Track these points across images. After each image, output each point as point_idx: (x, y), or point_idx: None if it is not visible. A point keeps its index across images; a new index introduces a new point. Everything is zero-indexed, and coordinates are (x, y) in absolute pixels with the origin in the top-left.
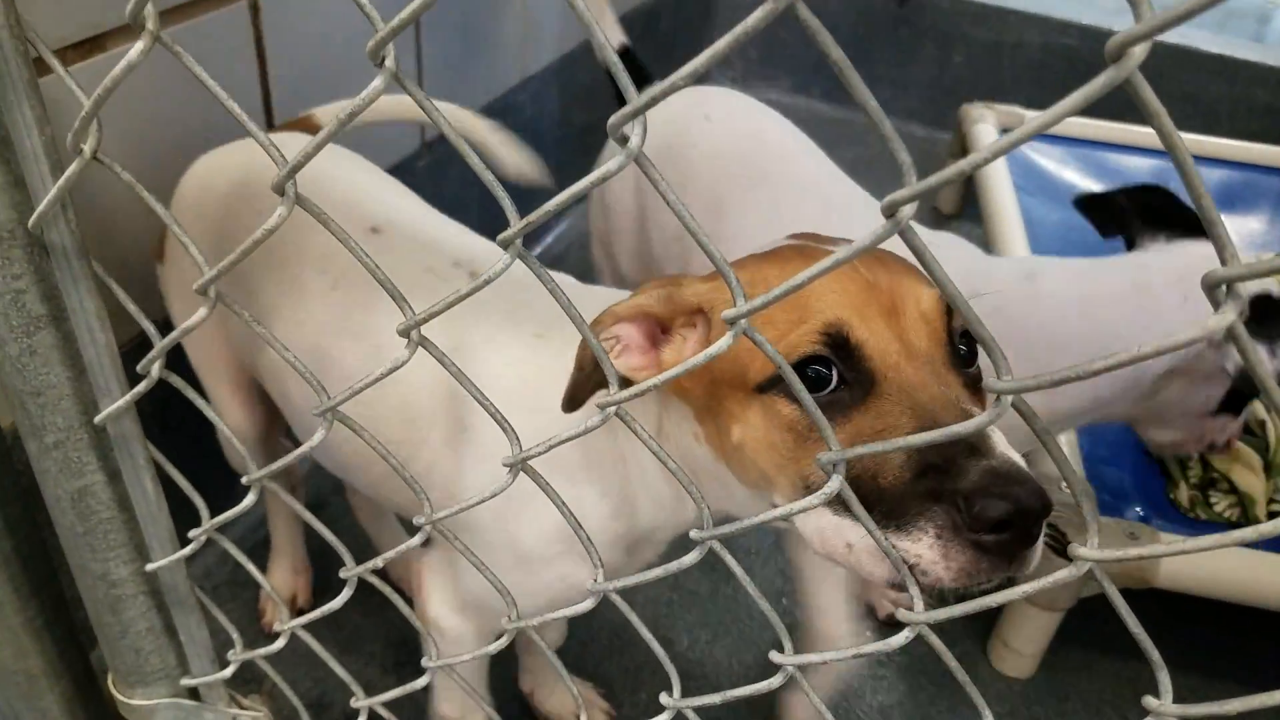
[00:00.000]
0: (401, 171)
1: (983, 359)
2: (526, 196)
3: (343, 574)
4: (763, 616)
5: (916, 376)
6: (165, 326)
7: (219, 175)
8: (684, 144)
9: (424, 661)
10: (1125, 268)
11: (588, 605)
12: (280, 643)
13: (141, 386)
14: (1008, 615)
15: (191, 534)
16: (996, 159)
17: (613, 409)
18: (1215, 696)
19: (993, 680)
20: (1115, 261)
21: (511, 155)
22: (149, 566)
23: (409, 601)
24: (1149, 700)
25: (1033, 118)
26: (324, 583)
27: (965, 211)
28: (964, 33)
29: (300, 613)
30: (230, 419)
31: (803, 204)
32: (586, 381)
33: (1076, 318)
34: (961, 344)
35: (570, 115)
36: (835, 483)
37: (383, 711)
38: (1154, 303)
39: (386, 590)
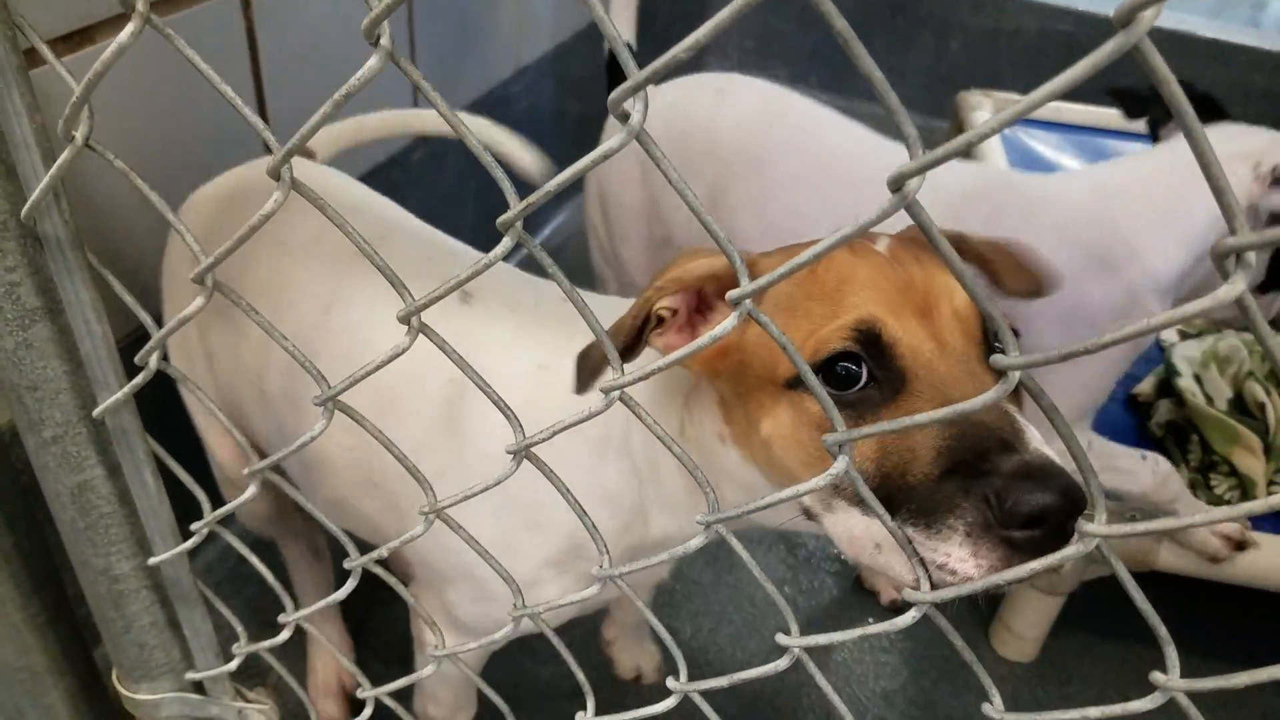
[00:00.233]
0: (397, 165)
1: (1045, 371)
2: (523, 189)
3: (347, 564)
4: (764, 605)
5: (949, 374)
6: (163, 325)
7: (210, 201)
8: (695, 123)
9: (430, 651)
10: (1159, 152)
11: (593, 591)
12: (285, 635)
13: (140, 378)
14: (1010, 599)
15: (193, 527)
16: (1006, 127)
17: (616, 393)
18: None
19: (995, 664)
20: (1143, 154)
21: (524, 155)
22: (151, 561)
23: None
24: (1157, 675)
25: (1045, 84)
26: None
27: None
28: (961, 20)
29: (352, 702)
30: (222, 455)
31: (834, 169)
32: (633, 341)
33: (1139, 201)
34: (996, 341)
35: (565, 106)
36: (841, 463)
37: (388, 701)
38: (1190, 176)
39: (391, 580)
